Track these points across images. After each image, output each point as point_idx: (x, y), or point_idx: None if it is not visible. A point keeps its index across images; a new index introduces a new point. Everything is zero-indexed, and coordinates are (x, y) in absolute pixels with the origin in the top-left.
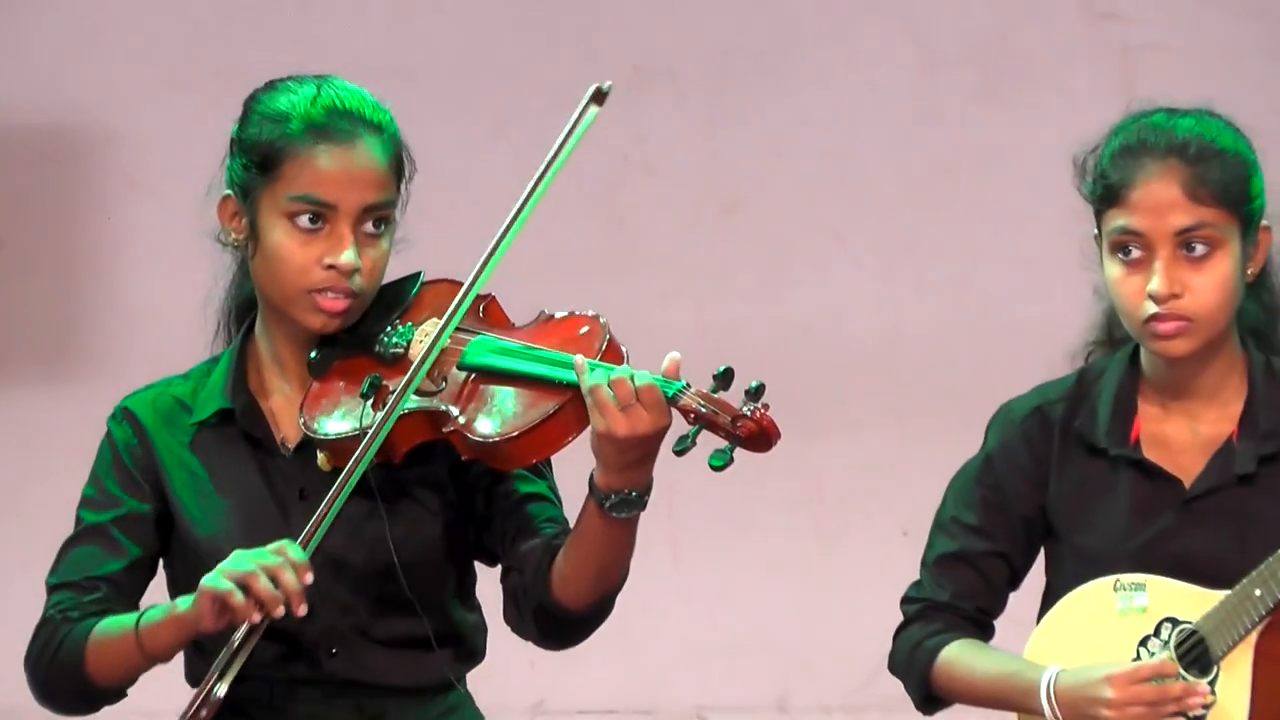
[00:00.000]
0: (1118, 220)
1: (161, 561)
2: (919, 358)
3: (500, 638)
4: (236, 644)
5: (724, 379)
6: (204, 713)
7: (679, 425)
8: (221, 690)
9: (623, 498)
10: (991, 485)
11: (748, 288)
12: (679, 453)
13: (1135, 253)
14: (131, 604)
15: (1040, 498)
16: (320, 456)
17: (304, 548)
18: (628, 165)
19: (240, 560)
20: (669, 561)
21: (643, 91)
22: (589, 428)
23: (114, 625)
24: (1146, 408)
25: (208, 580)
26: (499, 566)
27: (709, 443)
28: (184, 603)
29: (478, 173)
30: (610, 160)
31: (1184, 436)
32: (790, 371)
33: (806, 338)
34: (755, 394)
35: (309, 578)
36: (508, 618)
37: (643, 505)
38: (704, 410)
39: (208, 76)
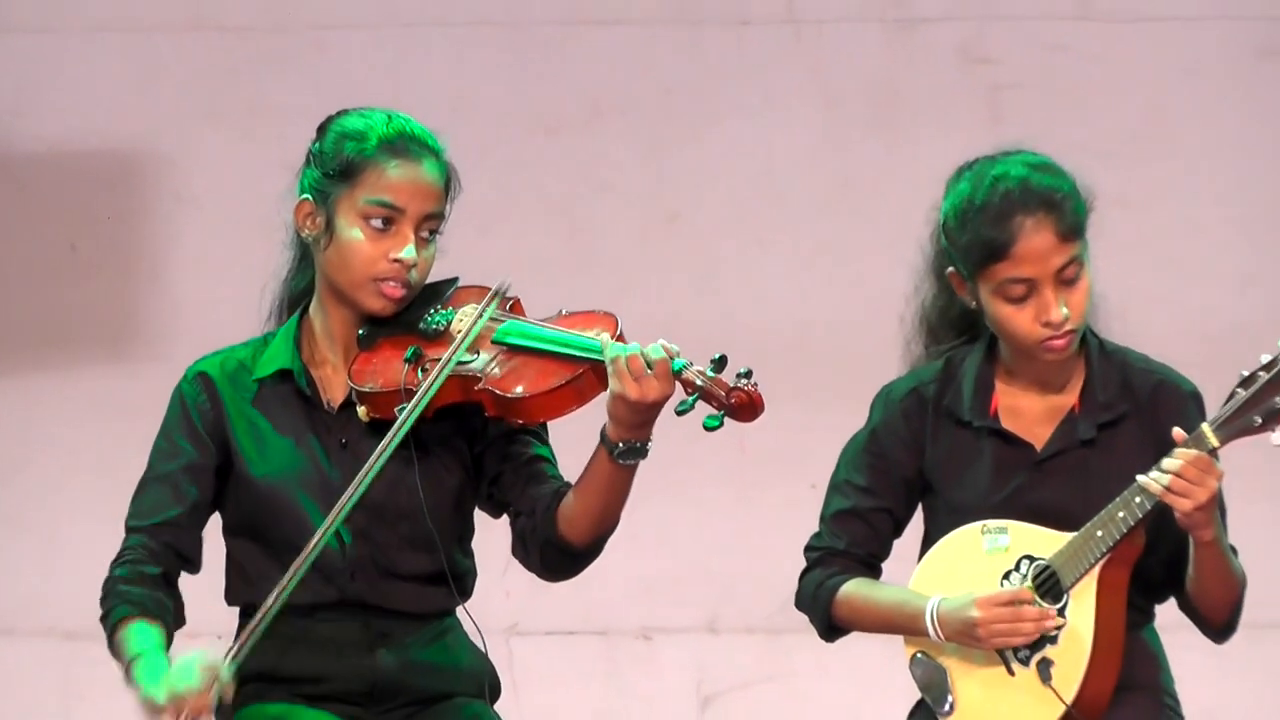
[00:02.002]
0: (1005, 274)
1: (219, 509)
2: (825, 344)
3: (483, 574)
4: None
5: (719, 363)
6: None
7: (678, 396)
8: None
9: (630, 447)
10: (877, 453)
11: (685, 286)
12: (680, 413)
13: (1023, 293)
14: (189, 541)
15: (918, 462)
16: (361, 409)
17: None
18: (586, 184)
19: (181, 669)
20: None
21: (599, 123)
22: (598, 396)
23: (127, 640)
24: (1003, 386)
25: (151, 691)
26: (504, 517)
27: (703, 411)
28: (145, 688)
29: (462, 193)
30: (571, 180)
31: (1035, 409)
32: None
33: (733, 326)
34: (746, 375)
35: (230, 695)
36: (515, 553)
37: (645, 454)
38: (702, 384)
39: (241, 111)
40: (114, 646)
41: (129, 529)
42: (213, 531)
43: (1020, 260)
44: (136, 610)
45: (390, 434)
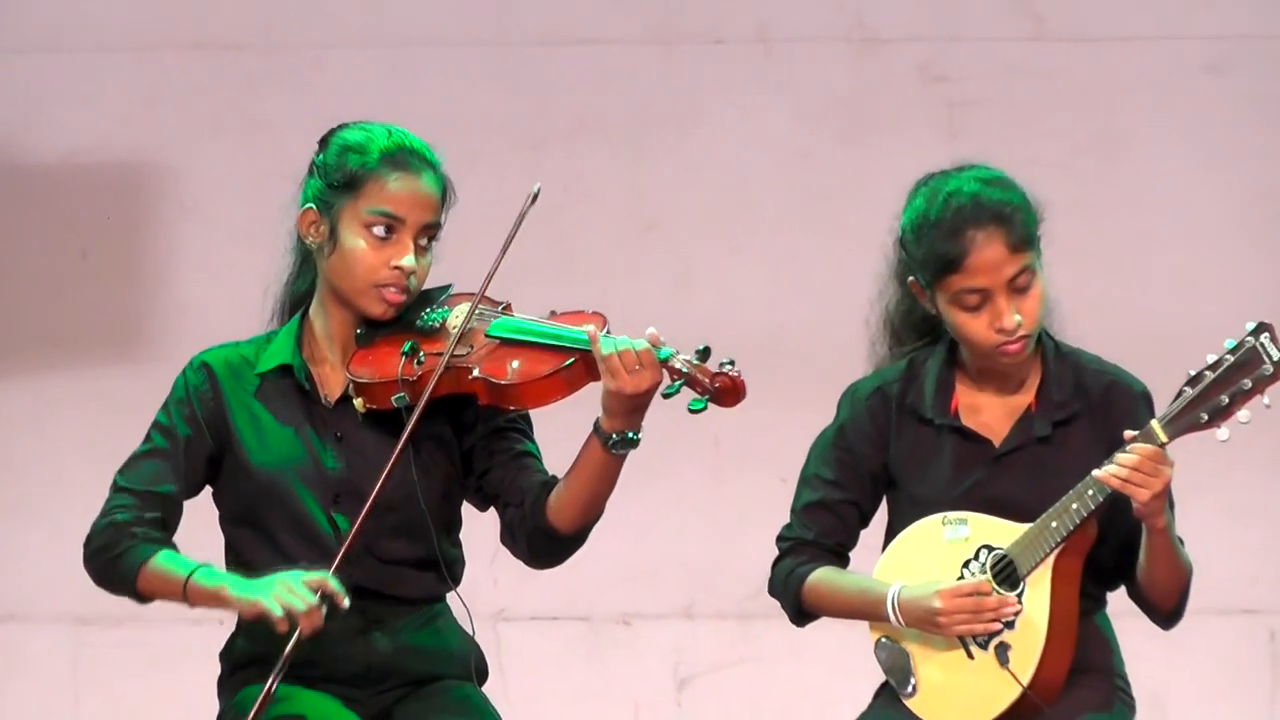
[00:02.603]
0: (960, 285)
1: (212, 493)
2: (795, 345)
3: (470, 562)
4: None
5: (704, 353)
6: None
7: (665, 382)
8: (274, 686)
9: (623, 437)
10: (844, 448)
11: (663, 290)
12: (667, 396)
13: (978, 302)
14: (176, 518)
15: (883, 457)
16: (358, 401)
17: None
18: (569, 194)
19: (288, 585)
20: None
21: (581, 137)
22: (585, 385)
23: (169, 565)
24: (963, 386)
25: (261, 596)
26: (488, 510)
27: (689, 396)
28: (235, 587)
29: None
30: (555, 190)
31: (993, 407)
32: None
33: (708, 328)
34: (730, 363)
35: (345, 604)
36: (504, 541)
37: (636, 444)
38: (687, 370)
39: (241, 125)
40: (143, 582)
41: (119, 488)
42: (211, 525)
43: (973, 272)
44: (159, 545)
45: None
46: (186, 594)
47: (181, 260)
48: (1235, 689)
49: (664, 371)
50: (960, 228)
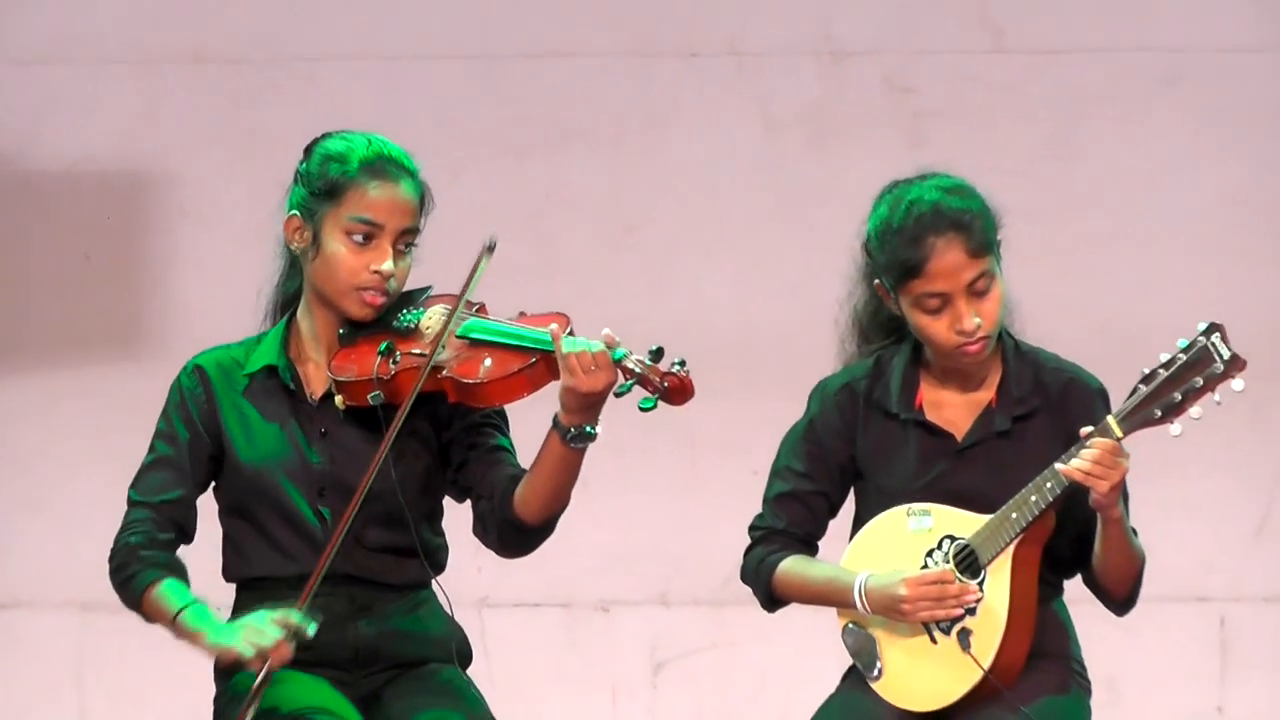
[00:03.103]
0: (921, 289)
1: (212, 487)
2: (765, 344)
3: (455, 551)
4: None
5: (656, 353)
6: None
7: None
8: (249, 716)
9: (580, 431)
10: (813, 441)
11: (640, 291)
12: (619, 395)
13: (939, 305)
14: (191, 520)
15: (850, 450)
16: (338, 398)
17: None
18: (550, 200)
19: (254, 628)
20: (580, 490)
21: (562, 146)
22: (548, 383)
23: (164, 598)
24: (927, 383)
25: (232, 642)
26: (467, 501)
27: (641, 395)
28: (211, 634)
29: (438, 211)
30: (537, 196)
31: (956, 403)
32: (670, 354)
33: (682, 328)
34: (681, 364)
35: (309, 634)
36: (476, 533)
37: (594, 438)
38: (640, 371)
39: (238, 134)
40: (146, 606)
41: (134, 503)
42: (210, 517)
43: (933, 277)
44: (164, 571)
45: (398, 416)
46: (174, 628)
47: (180, 262)
48: (1186, 673)
49: (618, 371)
50: (921, 235)
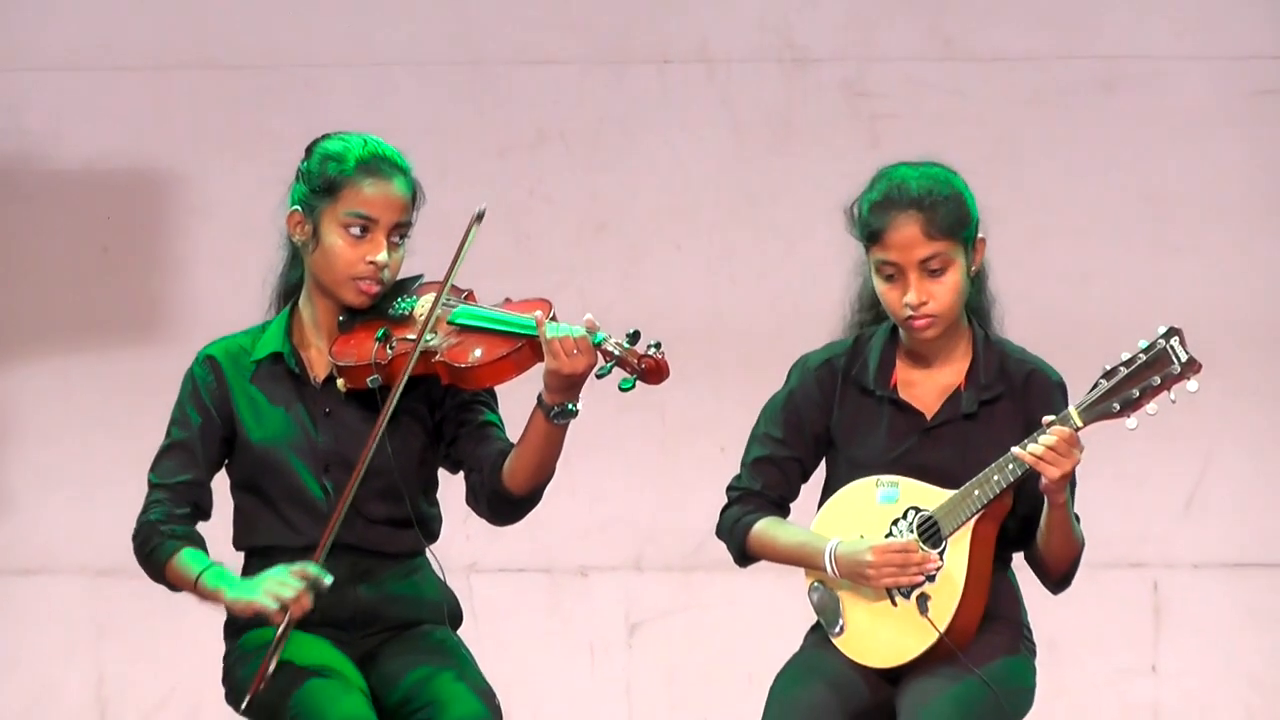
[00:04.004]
0: (879, 255)
1: (225, 466)
2: (731, 331)
3: (447, 520)
4: (278, 635)
5: (633, 336)
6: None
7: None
8: (272, 666)
9: (562, 409)
10: (792, 411)
11: (614, 283)
12: (599, 376)
13: (893, 274)
14: (207, 499)
15: (826, 421)
16: (339, 382)
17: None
18: (531, 197)
19: (276, 579)
20: (562, 464)
21: (541, 147)
22: (533, 366)
23: (185, 564)
24: (902, 363)
25: (254, 595)
26: (460, 474)
27: (620, 376)
28: (231, 590)
29: (428, 205)
30: (518, 194)
31: (927, 384)
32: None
33: (654, 318)
34: (656, 346)
35: (327, 584)
36: (469, 502)
37: (575, 414)
38: (618, 353)
39: (244, 136)
40: (170, 575)
41: (153, 486)
42: (221, 492)
43: (889, 246)
44: (183, 542)
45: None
46: (197, 591)
47: (191, 255)
48: (1122, 634)
49: (598, 354)
50: (886, 207)
